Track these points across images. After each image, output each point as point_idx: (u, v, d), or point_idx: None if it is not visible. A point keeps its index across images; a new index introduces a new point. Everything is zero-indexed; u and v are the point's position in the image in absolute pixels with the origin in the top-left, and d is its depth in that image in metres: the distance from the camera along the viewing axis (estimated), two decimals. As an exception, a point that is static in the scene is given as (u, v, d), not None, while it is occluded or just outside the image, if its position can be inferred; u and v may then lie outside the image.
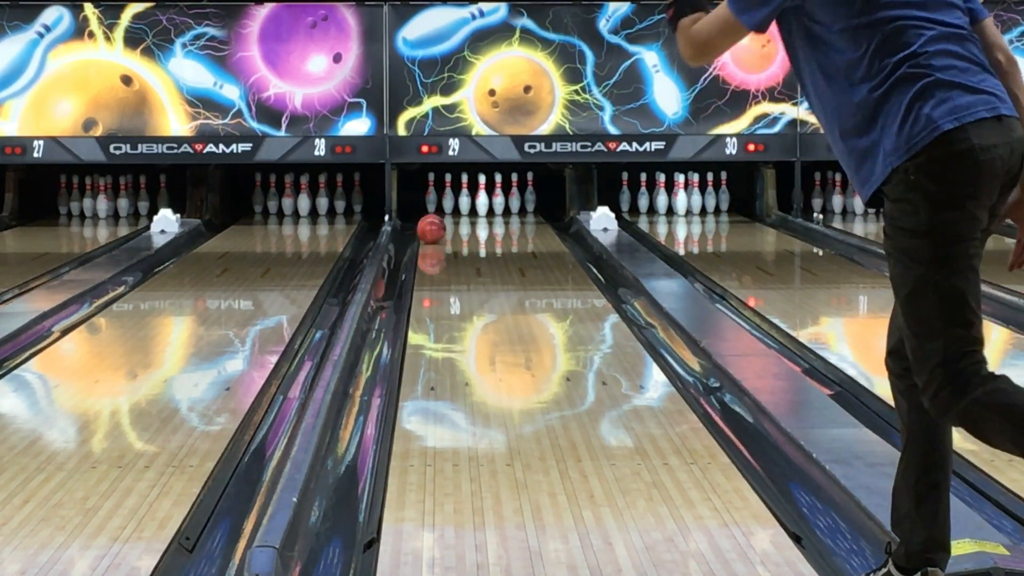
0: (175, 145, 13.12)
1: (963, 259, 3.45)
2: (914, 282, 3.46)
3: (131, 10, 13.11)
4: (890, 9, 3.50)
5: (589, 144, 13.25)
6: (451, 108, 13.22)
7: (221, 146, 13.11)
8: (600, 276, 10.04)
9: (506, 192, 13.73)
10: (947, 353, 3.44)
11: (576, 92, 13.26)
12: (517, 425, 5.67)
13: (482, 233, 12.94)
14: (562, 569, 3.99)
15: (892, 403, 5.75)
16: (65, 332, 7.82)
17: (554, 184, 13.69)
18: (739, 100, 13.29)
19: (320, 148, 13.16)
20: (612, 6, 13.28)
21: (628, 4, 13.28)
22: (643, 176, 13.81)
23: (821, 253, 11.47)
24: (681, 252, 11.70)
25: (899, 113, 3.45)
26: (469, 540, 4.26)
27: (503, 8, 13.24)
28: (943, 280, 3.44)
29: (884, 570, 3.66)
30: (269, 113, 13.13)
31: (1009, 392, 3.44)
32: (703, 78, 13.26)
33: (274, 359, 6.98)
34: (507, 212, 13.70)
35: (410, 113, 13.22)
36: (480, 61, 13.24)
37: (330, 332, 7.70)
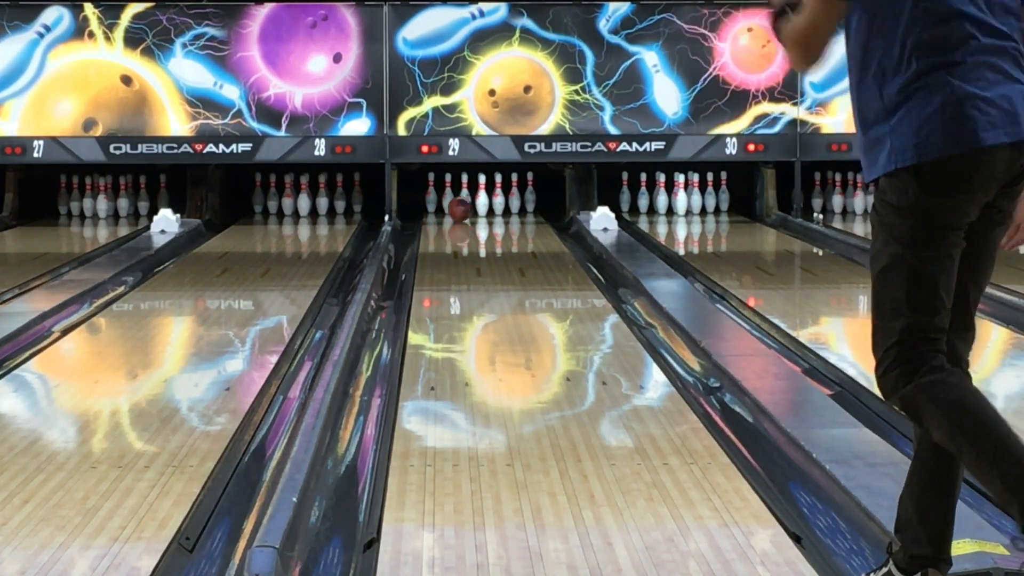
0: (175, 145, 13.12)
1: (942, 246, 3.46)
2: (889, 259, 3.48)
3: (131, 10, 13.11)
4: (946, 4, 3.47)
5: (589, 144, 13.25)
6: (451, 108, 13.23)
7: (221, 146, 13.11)
8: (600, 276, 10.04)
9: (506, 192, 13.73)
10: (905, 335, 3.46)
11: (576, 92, 13.26)
12: (517, 425, 5.67)
13: (482, 233, 12.95)
14: (562, 569, 3.99)
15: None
16: (65, 332, 7.82)
17: (554, 184, 13.69)
18: (739, 100, 13.29)
19: (320, 148, 13.16)
20: (612, 6, 13.28)
21: (628, 4, 13.28)
22: (643, 176, 13.81)
23: (821, 253, 11.47)
24: (681, 252, 11.70)
25: (919, 117, 3.43)
26: (469, 540, 4.26)
27: (503, 8, 13.24)
28: (918, 263, 3.45)
29: (884, 570, 3.66)
30: (269, 113, 13.13)
31: (954, 387, 3.45)
32: (703, 78, 13.26)
33: (274, 359, 6.97)
34: (507, 212, 13.70)
35: (410, 113, 13.22)
36: (480, 61, 13.24)
37: (330, 332, 7.70)
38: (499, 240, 12.58)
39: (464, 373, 7.01)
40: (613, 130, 13.26)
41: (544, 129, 13.27)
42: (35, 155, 13.08)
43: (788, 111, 13.29)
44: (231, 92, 13.10)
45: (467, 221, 13.42)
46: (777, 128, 13.33)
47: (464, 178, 13.61)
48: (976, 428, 3.41)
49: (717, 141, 13.30)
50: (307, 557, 4.19)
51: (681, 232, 13.06)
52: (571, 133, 13.25)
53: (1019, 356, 7.31)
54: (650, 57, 13.27)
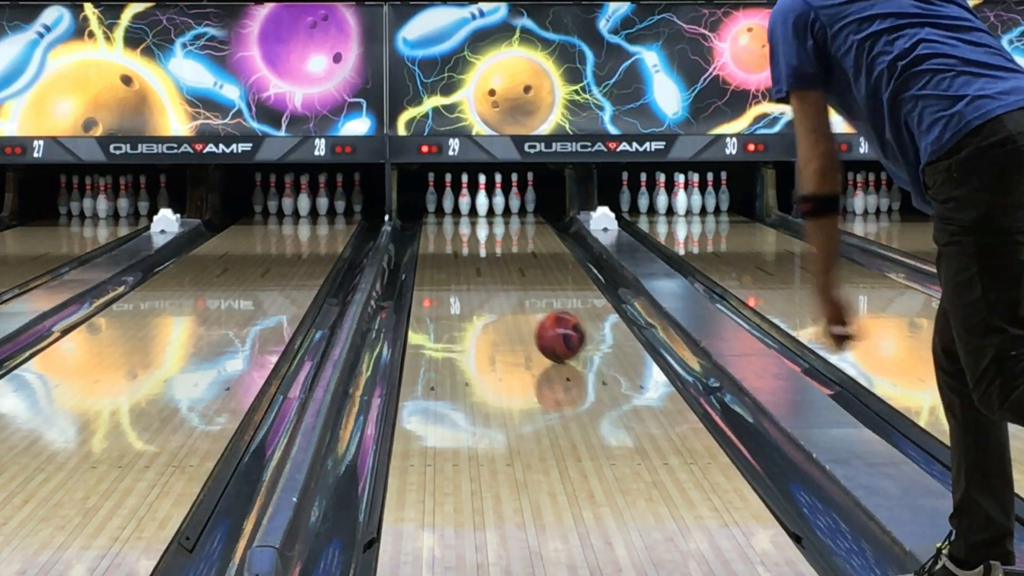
0: (175, 145, 13.12)
1: (1014, 251, 3.44)
2: (967, 279, 3.45)
3: (131, 10, 13.10)
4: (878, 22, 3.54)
5: (589, 144, 13.25)
6: (451, 108, 13.23)
7: (221, 146, 13.11)
8: (600, 276, 10.04)
9: (506, 192, 13.73)
10: (1000, 347, 3.44)
11: (576, 92, 13.26)
12: (517, 425, 5.67)
13: (482, 233, 12.95)
14: (562, 569, 3.98)
15: (893, 403, 5.76)
16: (65, 332, 7.82)
17: (554, 184, 13.69)
18: (739, 100, 13.29)
19: (320, 148, 13.16)
20: (612, 6, 13.28)
21: (628, 4, 13.28)
22: (643, 176, 13.81)
23: (821, 253, 11.45)
24: (681, 252, 11.70)
25: (925, 107, 3.48)
26: (469, 540, 4.26)
27: (503, 8, 13.24)
28: (995, 274, 3.43)
29: (939, 565, 3.63)
30: (269, 113, 13.13)
31: None
32: (703, 78, 13.26)
33: (274, 359, 6.97)
34: (507, 212, 13.70)
35: (410, 113, 13.22)
36: (480, 61, 13.24)
37: (330, 332, 7.70)
38: (499, 240, 12.58)
39: (464, 373, 7.01)
40: (613, 130, 13.26)
41: (544, 129, 13.27)
42: (35, 155, 13.07)
43: (788, 111, 13.27)
44: (231, 92, 13.10)
45: (469, 222, 13.43)
46: (777, 128, 13.33)
47: (464, 178, 13.61)
48: None
49: (717, 141, 13.30)
50: (307, 557, 4.19)
51: (681, 232, 13.06)
52: (571, 133, 13.25)
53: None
54: (650, 57, 13.27)
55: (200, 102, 13.11)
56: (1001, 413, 3.48)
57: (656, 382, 6.63)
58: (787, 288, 9.88)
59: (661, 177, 13.74)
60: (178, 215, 12.65)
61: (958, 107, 3.43)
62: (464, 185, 13.63)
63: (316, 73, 13.17)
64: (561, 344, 6.78)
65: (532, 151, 13.28)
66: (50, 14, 13.07)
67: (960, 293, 3.47)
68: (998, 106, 3.43)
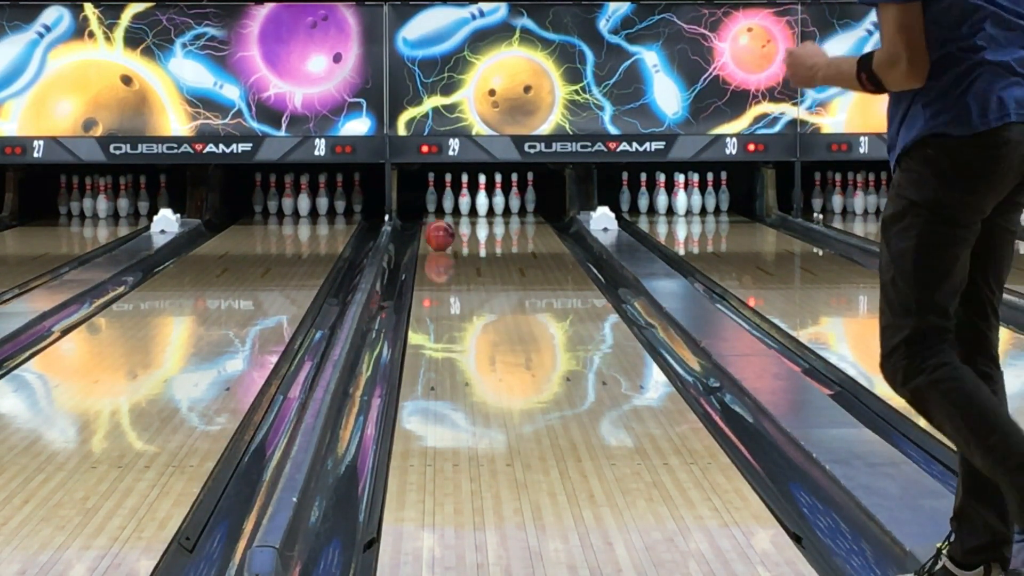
0: (175, 145, 13.12)
1: (953, 243, 3.47)
2: (900, 255, 3.49)
3: (131, 10, 13.11)
4: None
5: (589, 144, 13.25)
6: (451, 108, 13.23)
7: (221, 146, 13.11)
8: (600, 276, 10.04)
9: (506, 192, 13.73)
10: (915, 330, 3.47)
11: (576, 92, 13.26)
12: (517, 425, 5.67)
13: (482, 233, 12.94)
14: (562, 569, 3.98)
15: (893, 403, 5.75)
16: (65, 332, 7.82)
17: (554, 184, 13.69)
18: (739, 100, 13.29)
19: (320, 148, 13.16)
20: (612, 6, 13.28)
21: (628, 4, 13.28)
22: (643, 176, 13.81)
23: (821, 253, 11.47)
24: (681, 252, 11.70)
25: (943, 92, 3.47)
26: (469, 540, 4.26)
27: (503, 8, 13.24)
28: (928, 259, 3.46)
29: (939, 564, 3.63)
30: (269, 113, 13.13)
31: (963, 380, 3.47)
32: (703, 78, 13.26)
33: (274, 359, 6.97)
34: (507, 212, 13.70)
35: (410, 113, 13.22)
36: (480, 61, 13.24)
37: (330, 332, 7.70)
38: (499, 240, 12.58)
39: (464, 373, 7.01)
40: (613, 130, 13.26)
41: (544, 129, 13.28)
42: (35, 155, 13.08)
43: (788, 111, 13.29)
44: (231, 92, 13.11)
45: (469, 222, 13.42)
46: (777, 128, 13.33)
47: (464, 178, 13.62)
48: (982, 423, 3.43)
49: (717, 141, 13.30)
50: (307, 557, 4.19)
51: (681, 232, 13.06)
52: (571, 133, 13.25)
53: (1019, 356, 7.31)
54: (650, 57, 13.27)
55: (200, 102, 13.11)
56: (902, 392, 3.53)
57: (656, 382, 6.63)
58: (787, 288, 9.88)
59: (661, 177, 13.74)
60: (178, 215, 12.65)
61: (971, 102, 3.44)
62: (464, 185, 13.63)
63: (316, 73, 13.18)
64: (441, 242, 11.15)
65: (532, 151, 13.28)
66: (50, 14, 13.07)
67: (893, 269, 3.51)
68: (1004, 115, 3.44)
